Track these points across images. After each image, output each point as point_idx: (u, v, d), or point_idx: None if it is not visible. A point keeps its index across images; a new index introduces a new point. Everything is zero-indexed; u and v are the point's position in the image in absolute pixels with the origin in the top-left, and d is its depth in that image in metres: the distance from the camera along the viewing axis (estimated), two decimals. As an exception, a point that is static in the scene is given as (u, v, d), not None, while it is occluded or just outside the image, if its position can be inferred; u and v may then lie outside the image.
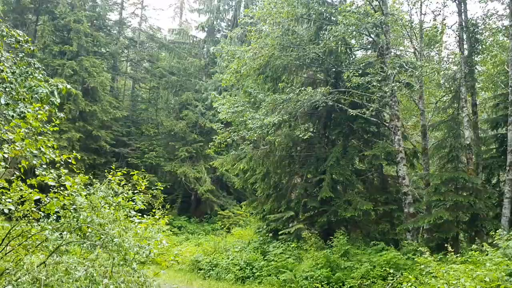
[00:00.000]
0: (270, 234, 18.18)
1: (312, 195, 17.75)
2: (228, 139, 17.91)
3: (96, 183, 7.82)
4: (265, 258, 15.67)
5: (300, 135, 14.89)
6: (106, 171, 9.11)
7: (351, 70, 15.14)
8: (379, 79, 14.73)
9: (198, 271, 16.54)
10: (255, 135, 15.79)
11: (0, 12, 22.71)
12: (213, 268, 16.10)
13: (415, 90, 18.65)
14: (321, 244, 15.96)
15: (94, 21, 37.30)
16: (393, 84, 14.50)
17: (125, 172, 8.48)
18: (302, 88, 14.30)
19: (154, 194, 9.35)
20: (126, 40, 40.62)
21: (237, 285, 14.14)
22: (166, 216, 25.11)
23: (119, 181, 7.86)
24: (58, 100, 8.73)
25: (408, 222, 15.45)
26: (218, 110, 18.20)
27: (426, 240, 15.52)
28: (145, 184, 8.10)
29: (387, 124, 17.19)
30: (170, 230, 30.96)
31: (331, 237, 15.63)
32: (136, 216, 7.61)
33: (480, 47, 18.20)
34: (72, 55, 32.11)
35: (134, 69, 42.17)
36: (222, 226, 28.90)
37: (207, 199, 33.22)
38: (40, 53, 31.68)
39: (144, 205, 7.83)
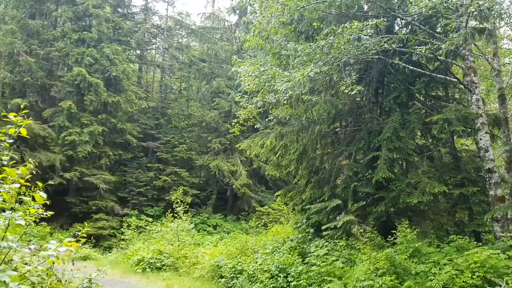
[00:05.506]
0: (311, 230, 14.07)
1: (363, 179, 13.81)
2: (254, 112, 14.17)
3: None
4: (305, 262, 11.67)
5: (346, 90, 10.90)
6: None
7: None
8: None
9: (219, 279, 12.84)
10: (285, 98, 12.02)
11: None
12: (237, 275, 12.33)
13: (490, 40, 14.45)
14: (380, 241, 11.96)
15: (118, 9, 34.94)
16: (472, 9, 10.32)
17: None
18: (345, 25, 10.41)
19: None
20: (153, 27, 37.87)
21: (265, 300, 10.35)
22: (187, 214, 21.89)
23: None
24: None
25: (496, 208, 11.27)
26: (239, 76, 14.57)
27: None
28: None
29: (460, 80, 12.94)
30: (204, 230, 27.96)
31: (393, 232, 11.68)
32: None
33: None
34: (93, 44, 29.54)
35: (162, 57, 39.47)
36: (258, 223, 25.23)
37: (243, 195, 29.88)
38: (59, 42, 29.32)
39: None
